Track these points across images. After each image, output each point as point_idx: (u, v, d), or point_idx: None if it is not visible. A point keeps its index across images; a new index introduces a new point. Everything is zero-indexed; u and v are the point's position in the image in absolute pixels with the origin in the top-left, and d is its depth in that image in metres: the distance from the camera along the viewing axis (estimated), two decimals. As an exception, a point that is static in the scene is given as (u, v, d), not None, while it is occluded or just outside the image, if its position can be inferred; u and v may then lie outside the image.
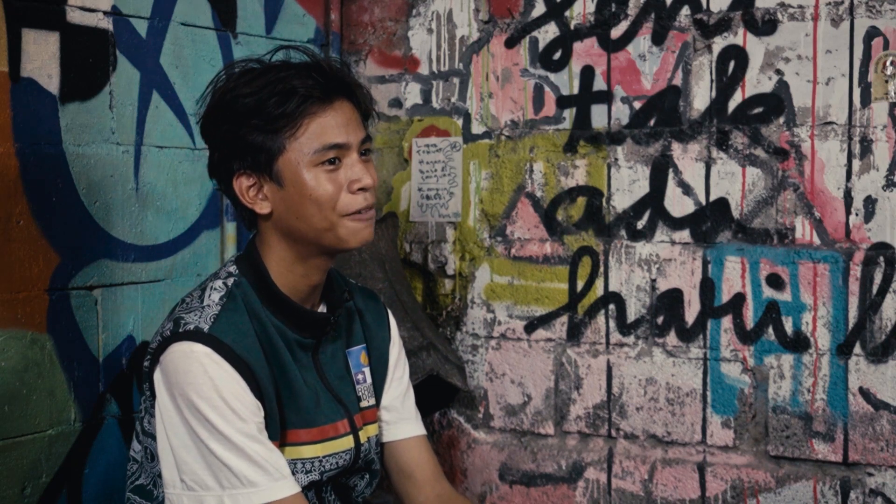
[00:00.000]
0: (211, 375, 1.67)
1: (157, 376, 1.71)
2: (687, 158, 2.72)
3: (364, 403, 1.93)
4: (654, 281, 2.77)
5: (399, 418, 2.00)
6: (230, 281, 1.78)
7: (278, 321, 1.78)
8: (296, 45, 1.84)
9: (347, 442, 1.85)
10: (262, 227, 1.81)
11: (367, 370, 1.96)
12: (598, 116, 2.82)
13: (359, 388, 1.93)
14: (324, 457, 1.82)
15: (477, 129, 2.97)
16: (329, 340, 1.87)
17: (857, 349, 2.57)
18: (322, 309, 1.88)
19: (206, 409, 1.66)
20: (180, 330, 1.71)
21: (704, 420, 2.73)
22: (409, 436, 2.00)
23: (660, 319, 2.77)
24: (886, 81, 2.52)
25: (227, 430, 1.66)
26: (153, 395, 1.73)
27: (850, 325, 2.58)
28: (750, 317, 2.68)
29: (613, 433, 2.84)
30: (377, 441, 1.95)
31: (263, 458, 1.68)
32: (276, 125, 1.71)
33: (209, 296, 1.76)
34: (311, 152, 1.72)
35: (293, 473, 1.76)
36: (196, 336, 1.69)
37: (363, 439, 1.89)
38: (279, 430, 1.75)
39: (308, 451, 1.79)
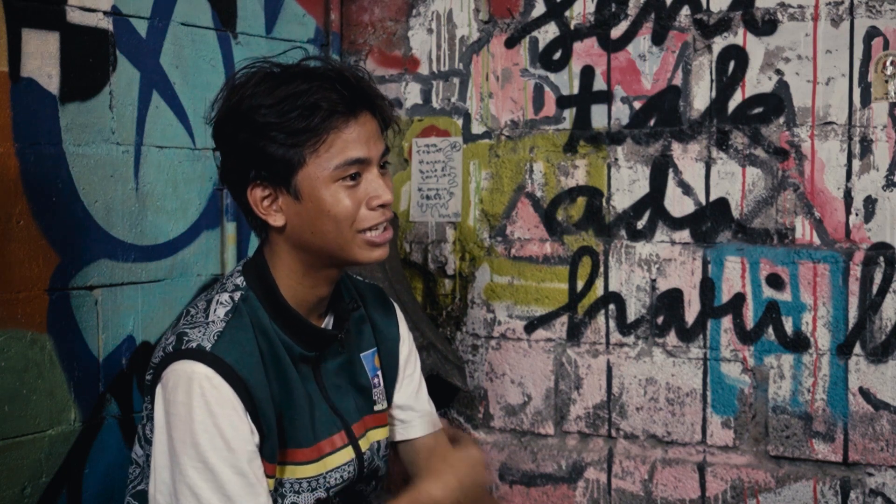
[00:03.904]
0: (208, 400, 1.64)
1: (158, 392, 1.68)
2: (687, 158, 2.72)
3: (378, 407, 1.92)
4: (654, 281, 2.77)
5: (414, 416, 1.98)
6: (237, 295, 1.75)
7: (285, 336, 1.75)
8: (317, 56, 1.79)
9: (347, 454, 1.83)
10: (273, 238, 1.77)
11: (380, 373, 1.94)
12: (598, 116, 2.82)
13: (375, 392, 1.92)
14: (326, 473, 1.79)
15: (477, 129, 2.97)
16: (334, 353, 1.85)
17: (857, 349, 2.58)
18: (329, 319, 1.86)
19: (198, 434, 1.63)
20: (183, 347, 1.67)
21: (704, 420, 2.73)
22: (425, 433, 1.99)
23: (660, 319, 2.77)
24: (886, 81, 2.52)
25: (213, 458, 1.63)
26: (153, 408, 1.71)
27: (850, 325, 2.58)
28: (750, 317, 2.68)
29: (613, 433, 2.84)
30: (385, 445, 1.94)
31: (240, 495, 1.64)
32: (298, 139, 1.67)
33: (214, 310, 1.72)
34: (332, 167, 1.68)
35: (297, 493, 1.75)
36: (198, 355, 1.66)
37: (364, 448, 1.86)
38: (277, 450, 1.72)
39: (309, 471, 1.77)
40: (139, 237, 2.55)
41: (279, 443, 1.73)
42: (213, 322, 1.70)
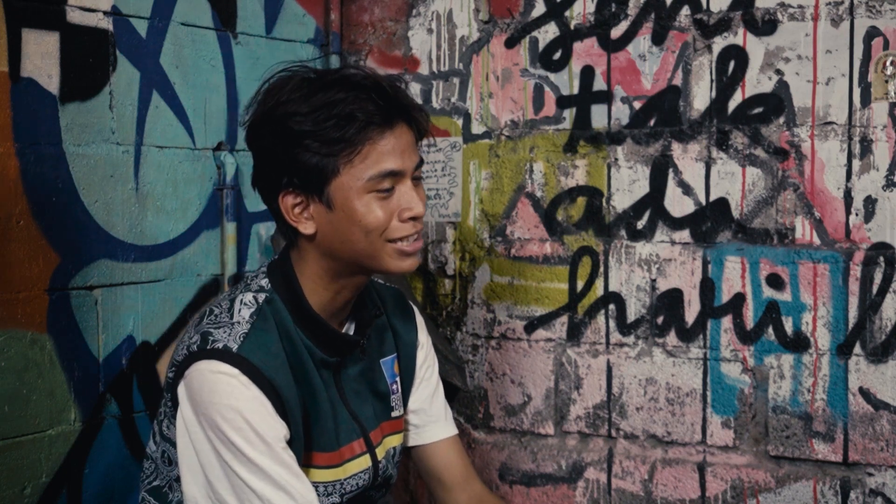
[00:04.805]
0: (236, 397, 1.63)
1: (182, 391, 1.68)
2: (687, 158, 2.72)
3: (395, 413, 1.91)
4: (654, 281, 2.77)
5: (427, 421, 1.98)
6: (261, 297, 1.74)
7: (308, 340, 1.75)
8: (354, 65, 1.76)
9: (364, 461, 1.83)
10: (301, 244, 1.76)
11: (398, 379, 1.94)
12: (598, 116, 2.82)
13: (393, 398, 1.91)
14: (345, 479, 1.79)
15: (477, 129, 2.97)
16: (355, 359, 1.85)
17: (857, 349, 2.58)
18: (351, 325, 1.85)
19: (230, 432, 1.63)
20: (208, 347, 1.66)
21: (704, 420, 2.73)
22: (438, 439, 1.98)
23: (660, 319, 2.77)
24: (886, 81, 2.52)
25: (251, 453, 1.63)
26: (175, 407, 1.70)
27: (850, 325, 2.58)
28: (750, 317, 2.68)
29: (613, 433, 2.84)
30: (399, 451, 1.94)
31: (287, 483, 1.65)
32: (333, 149, 1.65)
33: (239, 311, 1.71)
34: (366, 178, 1.67)
35: None
36: (224, 356, 1.65)
37: (380, 456, 1.86)
38: (302, 452, 1.73)
39: (328, 475, 1.77)
40: (139, 237, 2.55)
41: (304, 445, 1.73)
42: (239, 323, 1.70)
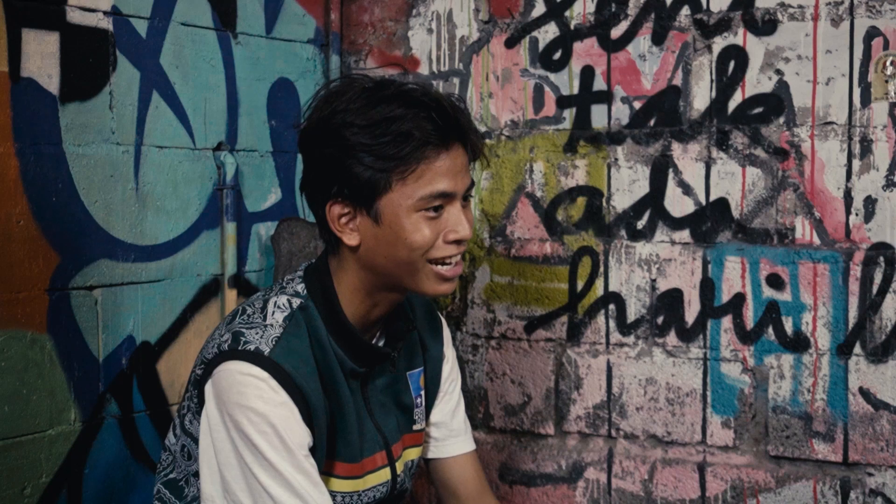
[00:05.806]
0: (265, 401, 1.63)
1: (209, 389, 1.68)
2: (687, 158, 2.72)
3: (417, 427, 1.91)
4: (654, 281, 2.77)
5: (448, 435, 1.98)
6: (296, 302, 1.74)
7: (340, 349, 1.75)
8: (415, 82, 1.76)
9: (384, 474, 1.83)
10: (343, 253, 1.75)
11: (423, 393, 1.94)
12: (598, 116, 2.82)
13: (416, 411, 1.92)
14: (363, 491, 1.79)
15: (477, 128, 2.97)
16: (383, 370, 1.84)
17: (857, 349, 2.58)
18: (382, 336, 1.85)
19: (254, 435, 1.63)
20: (239, 347, 1.66)
21: (704, 420, 2.73)
22: (457, 454, 1.98)
23: (660, 319, 2.77)
24: (886, 81, 2.52)
25: (273, 457, 1.63)
26: (201, 403, 1.71)
27: (850, 325, 2.58)
28: (750, 317, 2.68)
29: (613, 433, 2.84)
30: (417, 463, 1.94)
31: (306, 491, 1.64)
32: (387, 165, 1.65)
33: (272, 313, 1.71)
34: (417, 197, 1.67)
35: None
36: (255, 358, 1.65)
37: (399, 469, 1.87)
38: (323, 460, 1.73)
39: (348, 486, 1.77)
40: (139, 237, 2.55)
41: (326, 453, 1.73)
42: (272, 326, 1.69)
